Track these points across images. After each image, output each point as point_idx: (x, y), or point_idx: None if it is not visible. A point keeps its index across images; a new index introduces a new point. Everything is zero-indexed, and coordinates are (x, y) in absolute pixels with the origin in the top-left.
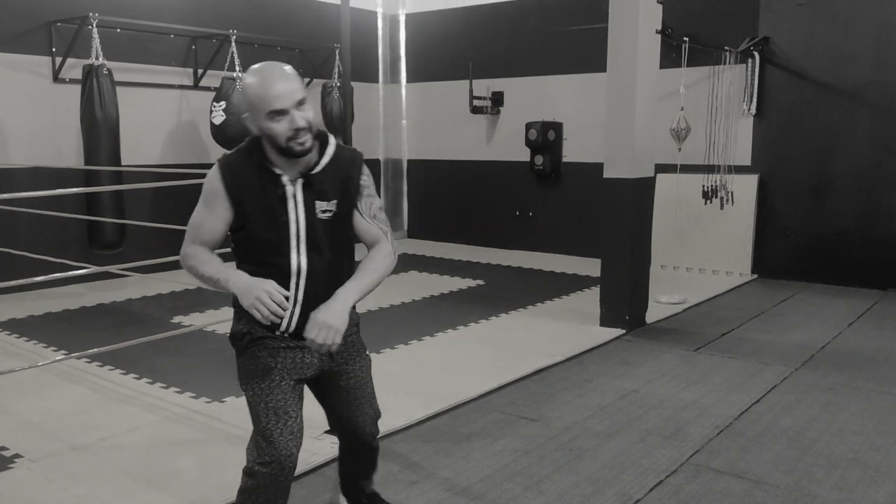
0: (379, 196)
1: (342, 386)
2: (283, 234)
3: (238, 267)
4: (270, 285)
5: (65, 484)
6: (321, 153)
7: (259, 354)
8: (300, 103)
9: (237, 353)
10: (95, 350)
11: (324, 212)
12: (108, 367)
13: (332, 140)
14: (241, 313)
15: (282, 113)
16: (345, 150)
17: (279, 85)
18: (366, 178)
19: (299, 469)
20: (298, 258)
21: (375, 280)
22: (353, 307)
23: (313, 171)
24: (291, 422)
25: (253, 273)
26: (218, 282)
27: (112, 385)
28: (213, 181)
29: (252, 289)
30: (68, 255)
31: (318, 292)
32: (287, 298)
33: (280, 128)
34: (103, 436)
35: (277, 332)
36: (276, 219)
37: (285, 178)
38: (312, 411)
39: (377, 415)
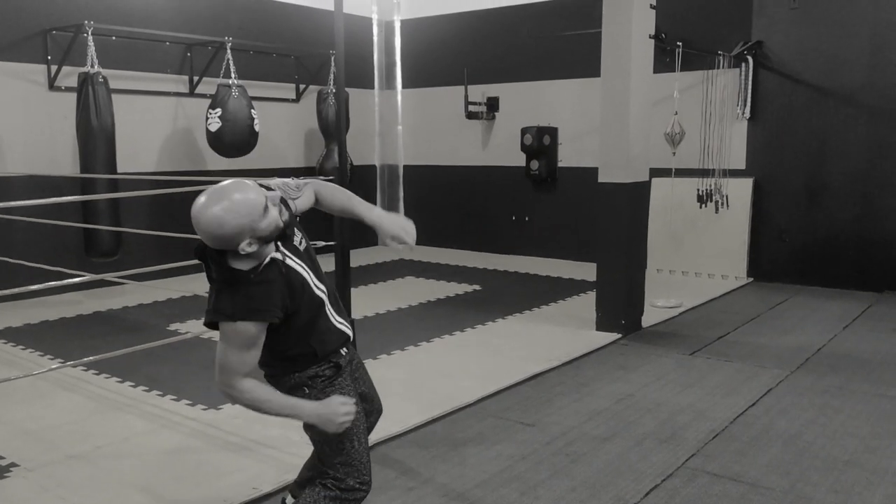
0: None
1: (362, 376)
2: (307, 284)
3: (275, 348)
4: (337, 403)
5: (61, 493)
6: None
7: (346, 382)
8: (265, 209)
9: (314, 393)
10: (92, 358)
11: (299, 243)
12: (105, 375)
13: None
14: (310, 368)
15: (266, 208)
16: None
17: (249, 187)
18: (285, 188)
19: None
20: (318, 290)
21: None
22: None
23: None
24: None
25: (303, 332)
26: (288, 417)
27: (108, 393)
28: (257, 330)
29: (330, 416)
30: (65, 264)
31: (336, 304)
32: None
33: (273, 213)
34: (99, 444)
35: (344, 355)
36: (300, 281)
37: (278, 254)
38: None
39: None
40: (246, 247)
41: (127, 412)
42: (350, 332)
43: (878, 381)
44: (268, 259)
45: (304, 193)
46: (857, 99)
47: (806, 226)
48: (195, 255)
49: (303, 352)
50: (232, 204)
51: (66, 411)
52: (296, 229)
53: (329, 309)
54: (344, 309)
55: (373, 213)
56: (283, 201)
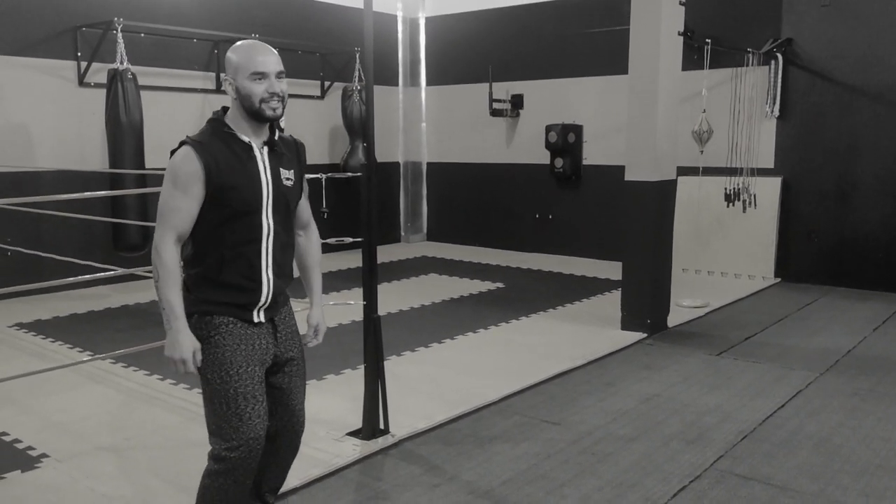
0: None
1: (287, 371)
2: (258, 198)
3: (197, 249)
4: (192, 353)
5: (90, 483)
6: (272, 132)
7: (225, 343)
8: (279, 74)
9: (201, 341)
10: (122, 351)
11: (287, 179)
12: (133, 367)
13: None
14: (199, 299)
15: (262, 76)
16: (286, 136)
17: (264, 54)
18: (305, 162)
19: (321, 471)
20: (267, 220)
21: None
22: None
23: (276, 138)
24: (259, 406)
25: (226, 244)
26: (163, 311)
27: (137, 386)
28: (187, 163)
29: (181, 347)
30: (92, 257)
31: (276, 255)
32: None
33: (258, 88)
34: (128, 436)
35: (256, 311)
36: (253, 183)
37: (254, 145)
38: (338, 412)
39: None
40: (225, 84)
41: (155, 405)
42: (265, 299)
43: None
44: (245, 138)
45: (307, 207)
46: (889, 97)
47: (835, 226)
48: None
49: (200, 253)
50: (245, 48)
51: (96, 403)
52: (293, 174)
53: (266, 250)
54: (288, 274)
55: (317, 298)
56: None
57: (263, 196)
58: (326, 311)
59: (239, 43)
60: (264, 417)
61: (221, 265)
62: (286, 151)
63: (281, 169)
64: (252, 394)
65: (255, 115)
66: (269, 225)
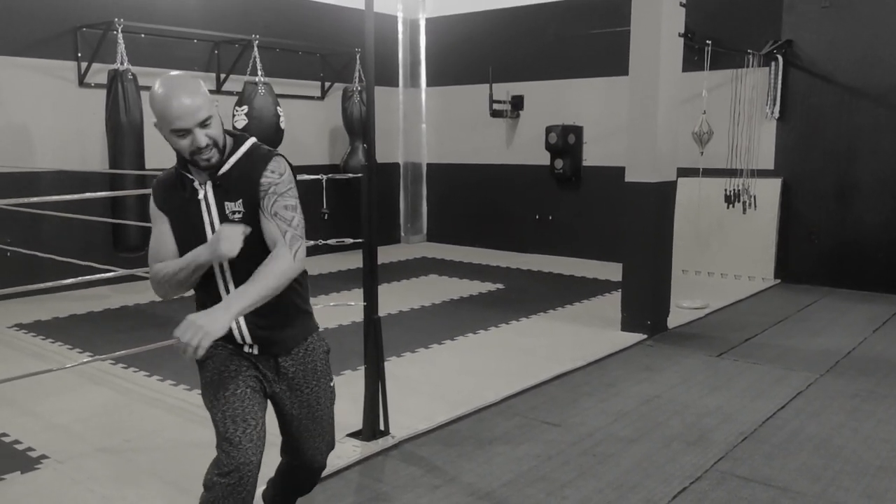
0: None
1: (294, 414)
2: (201, 237)
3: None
4: (224, 228)
5: (90, 485)
6: (232, 153)
7: (213, 365)
8: (203, 123)
9: (199, 366)
10: (122, 352)
11: (233, 213)
12: (133, 368)
13: (249, 141)
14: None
15: (184, 133)
16: (260, 149)
17: (184, 101)
18: (270, 175)
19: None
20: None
21: (269, 287)
22: (321, 337)
23: (220, 173)
24: (251, 429)
25: (196, 287)
26: (189, 265)
27: (136, 387)
28: (151, 202)
29: (217, 240)
30: (92, 258)
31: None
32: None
33: (183, 144)
34: (128, 437)
35: (244, 345)
36: (191, 222)
37: (196, 183)
38: (338, 413)
39: (330, 447)
40: (154, 122)
41: (155, 406)
42: (241, 340)
43: None
44: (190, 176)
45: (271, 224)
46: (889, 99)
47: (835, 227)
48: None
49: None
50: (162, 96)
51: (96, 405)
52: (240, 204)
53: (225, 290)
54: (271, 312)
55: (225, 298)
56: (240, 139)
57: (208, 237)
58: (327, 313)
59: (161, 81)
60: (258, 443)
61: (197, 307)
62: (236, 181)
63: (226, 203)
64: (242, 417)
65: (190, 164)
66: (219, 266)
